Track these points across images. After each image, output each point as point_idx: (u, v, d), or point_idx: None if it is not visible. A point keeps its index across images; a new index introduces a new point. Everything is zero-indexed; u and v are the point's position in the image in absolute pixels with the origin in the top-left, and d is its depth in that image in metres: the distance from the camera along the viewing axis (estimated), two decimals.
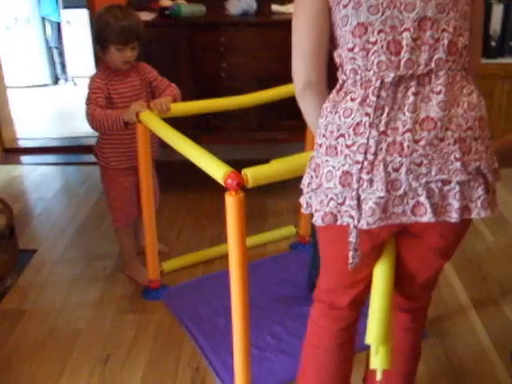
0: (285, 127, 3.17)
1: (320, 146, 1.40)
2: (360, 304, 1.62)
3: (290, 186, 3.27)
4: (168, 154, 2.42)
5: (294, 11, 1.43)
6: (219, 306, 2.43)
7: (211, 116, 2.95)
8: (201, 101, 2.37)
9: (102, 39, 2.33)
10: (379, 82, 1.31)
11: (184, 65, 2.98)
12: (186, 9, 2.94)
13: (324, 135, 1.39)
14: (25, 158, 4.06)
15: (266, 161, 1.72)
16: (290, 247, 2.89)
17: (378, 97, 1.31)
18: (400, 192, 1.31)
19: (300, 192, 1.48)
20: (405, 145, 1.29)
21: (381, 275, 1.52)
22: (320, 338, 1.65)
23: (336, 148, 1.35)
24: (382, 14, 1.31)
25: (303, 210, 1.48)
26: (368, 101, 1.31)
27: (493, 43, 3.49)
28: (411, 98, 1.30)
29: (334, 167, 1.35)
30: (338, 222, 1.37)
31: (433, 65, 1.32)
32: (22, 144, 4.23)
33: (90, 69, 5.59)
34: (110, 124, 2.28)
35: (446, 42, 1.32)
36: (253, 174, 1.63)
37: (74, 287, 2.59)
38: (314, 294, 1.70)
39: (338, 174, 1.34)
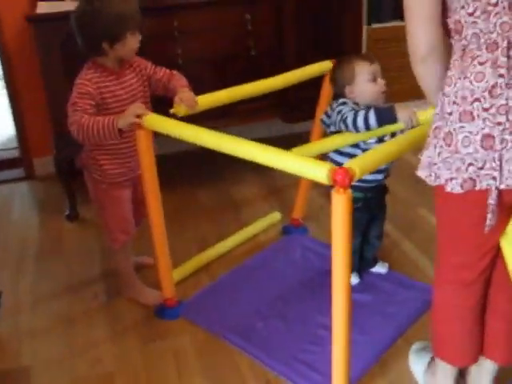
0: (240, 111, 2.99)
1: (450, 113, 1.37)
2: (488, 278, 1.59)
3: (249, 171, 3.19)
4: None
5: None
6: (248, 309, 2.25)
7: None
8: (227, 89, 2.15)
9: (115, 32, 1.98)
10: (506, 42, 1.29)
11: None
12: None
13: (455, 102, 1.36)
14: None
15: None
16: (282, 233, 2.75)
17: (508, 57, 1.29)
18: None
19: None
20: None
21: None
22: (455, 316, 1.64)
23: (472, 113, 1.33)
24: None
25: (430, 183, 1.45)
26: (499, 62, 1.30)
27: None
28: None
29: (471, 132, 1.34)
30: (477, 187, 1.37)
31: None
32: None
33: None
34: (102, 134, 1.95)
35: None
36: (360, 166, 1.49)
37: (72, 325, 2.22)
38: (438, 275, 1.65)
39: (478, 138, 1.33)
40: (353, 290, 2.27)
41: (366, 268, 2.46)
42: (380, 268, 2.45)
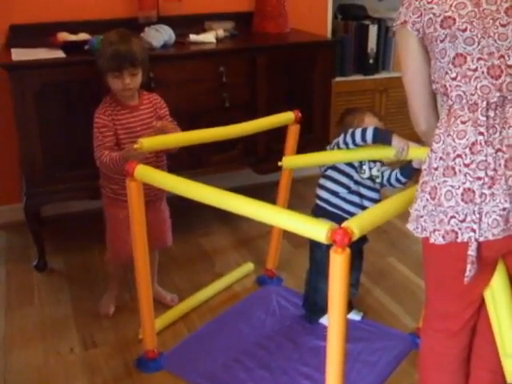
0: (213, 162, 3.03)
1: (436, 169, 1.47)
2: (473, 327, 1.64)
3: (217, 222, 3.20)
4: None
5: (402, 62, 1.58)
6: (230, 360, 2.24)
7: None
8: (197, 131, 2.28)
9: (100, 68, 2.23)
10: (485, 103, 1.42)
11: None
12: None
13: (441, 158, 1.46)
14: None
15: None
16: (257, 283, 2.76)
17: (487, 117, 1.41)
18: None
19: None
20: None
21: (501, 292, 1.56)
22: (440, 364, 1.67)
23: (454, 168, 1.43)
24: (478, 43, 1.42)
25: (417, 235, 1.52)
26: (479, 121, 1.41)
27: (371, 61, 3.76)
28: None
29: (453, 186, 1.43)
30: (459, 239, 1.44)
31: None
32: None
33: None
34: (116, 169, 2.17)
35: None
36: (359, 226, 1.50)
37: (48, 380, 2.13)
38: (425, 323, 1.70)
39: (460, 192, 1.42)
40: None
41: None
42: (354, 315, 2.49)
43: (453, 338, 1.64)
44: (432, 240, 1.46)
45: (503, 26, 1.40)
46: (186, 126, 2.69)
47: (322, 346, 2.25)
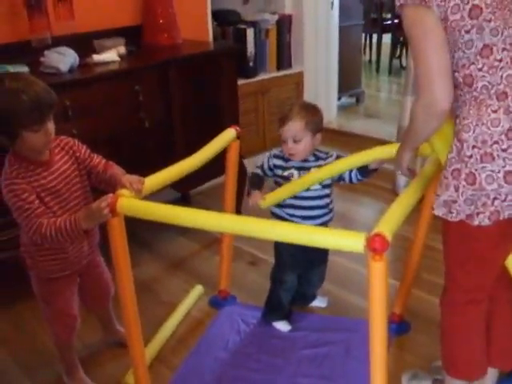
0: None
1: (470, 156, 1.54)
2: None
3: (136, 250, 3.01)
4: None
5: (419, 42, 1.49)
6: None
7: None
8: (171, 167, 1.98)
9: (6, 128, 1.71)
10: None
11: None
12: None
13: (475, 146, 1.54)
14: None
15: None
16: (210, 305, 2.63)
17: None
18: None
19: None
20: None
21: None
22: (472, 334, 1.80)
23: (492, 154, 1.52)
24: (502, 34, 1.49)
25: (451, 219, 1.61)
26: (511, 109, 1.51)
27: (251, 64, 3.78)
28: None
29: (493, 171, 1.53)
30: (501, 217, 1.58)
31: None
32: None
33: None
34: (68, 237, 1.78)
35: None
36: (389, 229, 1.47)
37: None
38: (450, 300, 1.80)
39: (501, 175, 1.53)
40: (310, 345, 2.33)
41: (305, 304, 2.57)
42: (320, 302, 2.57)
43: (479, 307, 1.78)
44: (476, 222, 1.58)
45: None
46: (107, 150, 2.49)
47: (312, 354, 2.28)
